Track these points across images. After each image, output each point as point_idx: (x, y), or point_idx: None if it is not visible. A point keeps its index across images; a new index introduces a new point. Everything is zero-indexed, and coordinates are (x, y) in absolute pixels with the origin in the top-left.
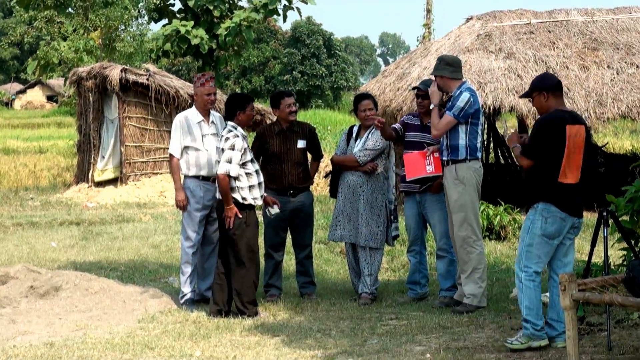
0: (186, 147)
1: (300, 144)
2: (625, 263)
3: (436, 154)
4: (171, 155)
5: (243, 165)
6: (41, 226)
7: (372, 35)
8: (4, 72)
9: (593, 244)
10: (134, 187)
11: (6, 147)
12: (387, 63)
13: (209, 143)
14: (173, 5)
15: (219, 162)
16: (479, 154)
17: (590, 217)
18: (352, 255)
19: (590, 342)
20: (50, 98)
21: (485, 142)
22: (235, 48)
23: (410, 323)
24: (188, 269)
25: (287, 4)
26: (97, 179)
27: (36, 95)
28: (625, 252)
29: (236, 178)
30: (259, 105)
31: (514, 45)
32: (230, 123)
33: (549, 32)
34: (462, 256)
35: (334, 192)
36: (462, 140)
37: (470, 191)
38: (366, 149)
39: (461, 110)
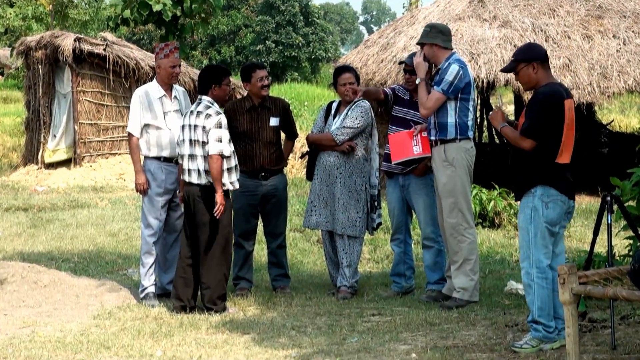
0: (146, 125)
1: (273, 121)
2: (631, 253)
3: (424, 134)
4: (130, 134)
5: None
6: None
7: (354, 1)
8: None
9: (596, 232)
10: (89, 169)
11: None
12: (370, 32)
13: (171, 121)
14: None
15: (185, 141)
16: (471, 133)
17: (593, 203)
18: (329, 245)
19: (593, 340)
20: None
21: (478, 120)
22: (203, 15)
23: (394, 319)
24: (149, 260)
25: None
26: (47, 160)
27: None
28: (631, 241)
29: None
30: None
31: (510, 12)
32: (205, 98)
33: None
34: (452, 245)
35: (310, 175)
36: (451, 117)
37: (460, 174)
38: (344, 127)
39: (450, 85)
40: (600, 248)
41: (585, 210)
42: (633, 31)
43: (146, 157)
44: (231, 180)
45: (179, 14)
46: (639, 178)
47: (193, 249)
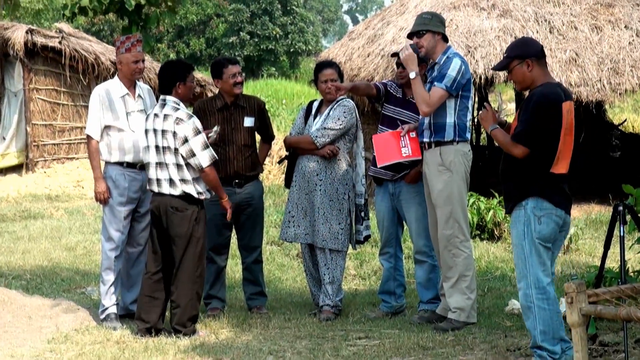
0: (107, 127)
1: (248, 122)
2: None
3: (412, 134)
4: (89, 137)
5: None
6: None
7: None
8: None
9: (607, 245)
10: (43, 175)
11: None
12: (355, 22)
13: (135, 122)
14: None
15: (151, 147)
16: (468, 135)
17: (603, 212)
18: (309, 260)
19: None
20: None
21: (476, 120)
22: (169, 3)
23: (383, 343)
24: (110, 277)
25: None
26: None
27: None
28: None
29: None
30: (198, 74)
31: (510, 0)
32: (170, 98)
33: None
34: (446, 260)
35: (288, 182)
36: (450, 117)
37: (457, 180)
38: (325, 128)
39: (454, 81)
40: (612, 263)
41: (595, 220)
42: None
43: (107, 163)
44: (207, 188)
45: (143, 2)
46: None
47: (161, 264)
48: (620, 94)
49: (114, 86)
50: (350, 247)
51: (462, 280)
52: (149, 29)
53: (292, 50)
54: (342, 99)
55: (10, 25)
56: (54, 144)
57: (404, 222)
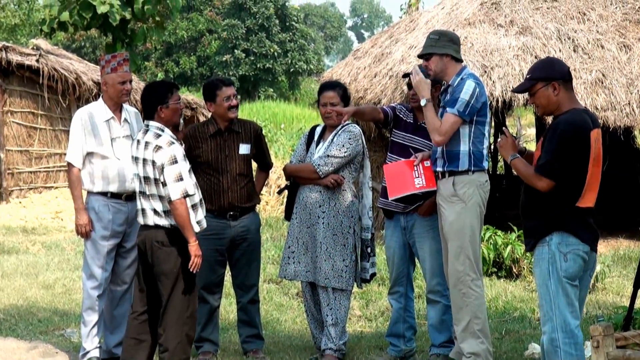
0: (90, 154)
1: (243, 149)
2: None
3: (427, 163)
4: (70, 165)
5: None
6: None
7: (340, 2)
8: None
9: (637, 284)
10: (19, 205)
11: None
12: (361, 39)
13: (120, 148)
14: None
15: (141, 177)
16: (485, 164)
17: (632, 248)
18: (311, 299)
19: None
20: None
21: (492, 148)
22: (157, 19)
23: None
24: (92, 318)
25: None
26: None
27: None
28: None
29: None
30: (189, 96)
31: (531, 16)
32: (153, 124)
33: None
34: (456, 300)
35: (288, 214)
36: (465, 145)
37: (470, 212)
38: (329, 156)
39: (467, 106)
40: None
41: (624, 257)
42: None
43: (89, 193)
44: (198, 219)
45: (128, 17)
46: None
47: (148, 304)
48: None
49: (98, 109)
50: (355, 285)
51: (474, 323)
52: (135, 46)
53: (291, 69)
54: (347, 124)
55: None
56: (31, 172)
57: (415, 258)
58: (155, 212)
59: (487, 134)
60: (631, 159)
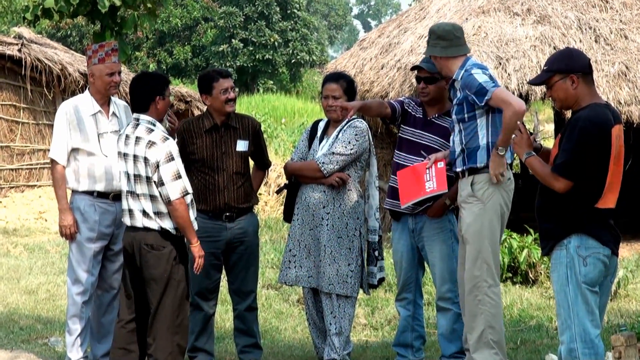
0: (75, 150)
1: (241, 145)
2: None
3: (440, 164)
4: (53, 162)
5: None
6: None
7: None
8: None
9: None
10: None
11: None
12: (367, 28)
13: (107, 145)
14: None
15: (130, 175)
16: (509, 156)
17: None
18: (313, 306)
19: None
20: None
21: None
22: (149, 5)
23: None
24: (77, 326)
25: None
26: None
27: None
28: None
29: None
30: (182, 88)
31: (549, 4)
32: (145, 118)
33: None
34: (471, 307)
35: (289, 215)
36: (483, 139)
37: (490, 214)
38: (333, 153)
39: (491, 78)
40: None
41: None
42: None
43: (74, 192)
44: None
45: (118, 3)
46: None
47: (136, 311)
48: None
49: (84, 102)
50: (361, 291)
51: (488, 332)
52: (125, 34)
53: (292, 60)
54: (353, 119)
55: None
56: (12, 169)
57: (425, 263)
58: (145, 213)
59: None
60: None
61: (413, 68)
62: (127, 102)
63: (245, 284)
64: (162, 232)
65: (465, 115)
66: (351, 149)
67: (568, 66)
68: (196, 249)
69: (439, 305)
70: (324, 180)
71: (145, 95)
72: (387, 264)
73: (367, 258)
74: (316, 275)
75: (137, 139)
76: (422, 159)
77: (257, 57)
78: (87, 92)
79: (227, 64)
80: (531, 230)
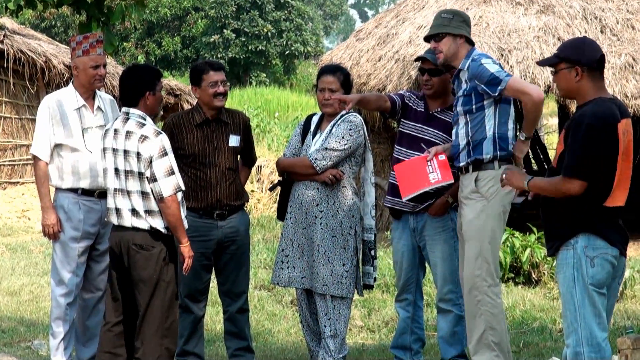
0: (58, 146)
1: (233, 140)
2: None
3: (441, 157)
4: (36, 158)
5: None
6: None
7: None
8: None
9: None
10: None
11: None
12: (364, 18)
13: (92, 140)
14: None
15: (109, 170)
16: (510, 151)
17: None
18: (307, 308)
19: None
20: None
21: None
22: None
23: None
24: (61, 329)
25: None
26: None
27: None
28: None
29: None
30: (172, 81)
31: None
32: (135, 112)
33: None
34: (470, 307)
35: (282, 213)
36: (489, 129)
37: (493, 212)
38: (327, 149)
39: (501, 68)
40: None
41: None
42: None
43: (58, 189)
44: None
45: None
46: None
47: (124, 313)
48: None
49: (68, 96)
50: (356, 292)
51: (489, 334)
52: (112, 25)
53: (286, 52)
54: (347, 113)
55: None
56: None
57: (426, 263)
58: (134, 212)
59: (512, 115)
60: None
61: (417, 59)
62: (113, 95)
63: (237, 285)
64: (152, 231)
65: (474, 107)
66: (345, 144)
67: (575, 57)
68: (186, 249)
69: (439, 307)
70: (317, 177)
71: (135, 90)
72: (384, 264)
73: (362, 257)
74: (310, 275)
75: (128, 133)
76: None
77: (249, 48)
78: (71, 85)
79: (219, 56)
80: (534, 229)
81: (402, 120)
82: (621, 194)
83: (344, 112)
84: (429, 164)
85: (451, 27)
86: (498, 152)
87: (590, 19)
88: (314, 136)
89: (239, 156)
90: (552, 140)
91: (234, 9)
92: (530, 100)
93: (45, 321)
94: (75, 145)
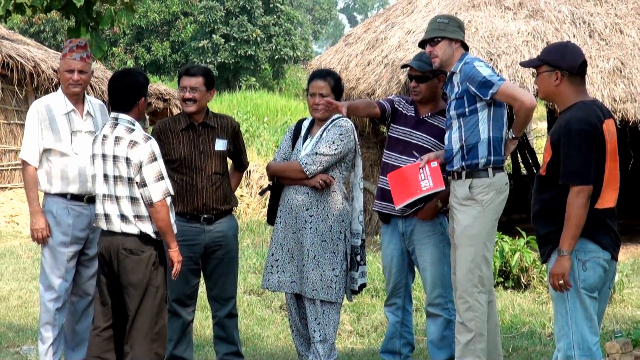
0: (47, 151)
1: (220, 144)
2: None
3: (433, 164)
4: (24, 163)
5: None
6: None
7: None
8: None
9: None
10: None
11: None
12: (353, 23)
13: (81, 145)
14: None
15: (99, 176)
16: (504, 157)
17: None
18: (296, 313)
19: None
20: None
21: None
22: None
23: None
24: (50, 334)
25: None
26: None
27: None
28: None
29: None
30: (161, 86)
31: None
32: (124, 117)
33: None
34: (460, 312)
35: (272, 218)
36: (484, 133)
37: (488, 218)
38: (317, 154)
39: (494, 72)
40: None
41: None
42: None
43: (46, 194)
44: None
45: None
46: None
47: (113, 318)
48: None
49: (57, 101)
50: (345, 297)
51: (477, 340)
52: (101, 30)
53: (275, 56)
54: (338, 117)
55: None
56: None
57: (415, 267)
58: (123, 218)
59: (505, 120)
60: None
61: (404, 66)
62: (103, 100)
63: (225, 290)
64: (141, 236)
65: (466, 110)
66: (335, 149)
67: (556, 61)
68: (175, 253)
69: (428, 311)
70: (307, 181)
71: (130, 95)
72: (373, 268)
73: (349, 263)
74: (299, 280)
75: (117, 138)
76: (414, 159)
77: (238, 53)
78: (59, 90)
79: (208, 61)
80: (523, 233)
81: (392, 125)
82: (610, 195)
83: (335, 116)
84: (421, 171)
85: (447, 31)
86: (492, 157)
87: (579, 24)
88: (304, 141)
89: (229, 161)
90: (540, 145)
91: (223, 14)
92: (522, 106)
93: (34, 326)
94: (64, 149)
